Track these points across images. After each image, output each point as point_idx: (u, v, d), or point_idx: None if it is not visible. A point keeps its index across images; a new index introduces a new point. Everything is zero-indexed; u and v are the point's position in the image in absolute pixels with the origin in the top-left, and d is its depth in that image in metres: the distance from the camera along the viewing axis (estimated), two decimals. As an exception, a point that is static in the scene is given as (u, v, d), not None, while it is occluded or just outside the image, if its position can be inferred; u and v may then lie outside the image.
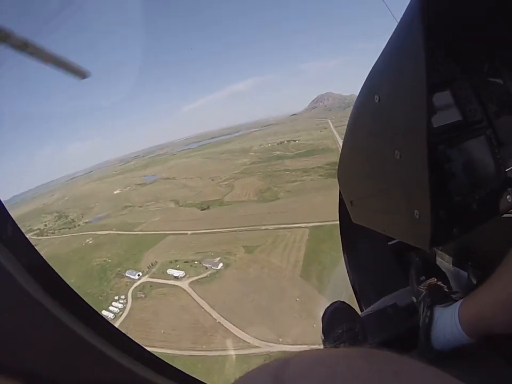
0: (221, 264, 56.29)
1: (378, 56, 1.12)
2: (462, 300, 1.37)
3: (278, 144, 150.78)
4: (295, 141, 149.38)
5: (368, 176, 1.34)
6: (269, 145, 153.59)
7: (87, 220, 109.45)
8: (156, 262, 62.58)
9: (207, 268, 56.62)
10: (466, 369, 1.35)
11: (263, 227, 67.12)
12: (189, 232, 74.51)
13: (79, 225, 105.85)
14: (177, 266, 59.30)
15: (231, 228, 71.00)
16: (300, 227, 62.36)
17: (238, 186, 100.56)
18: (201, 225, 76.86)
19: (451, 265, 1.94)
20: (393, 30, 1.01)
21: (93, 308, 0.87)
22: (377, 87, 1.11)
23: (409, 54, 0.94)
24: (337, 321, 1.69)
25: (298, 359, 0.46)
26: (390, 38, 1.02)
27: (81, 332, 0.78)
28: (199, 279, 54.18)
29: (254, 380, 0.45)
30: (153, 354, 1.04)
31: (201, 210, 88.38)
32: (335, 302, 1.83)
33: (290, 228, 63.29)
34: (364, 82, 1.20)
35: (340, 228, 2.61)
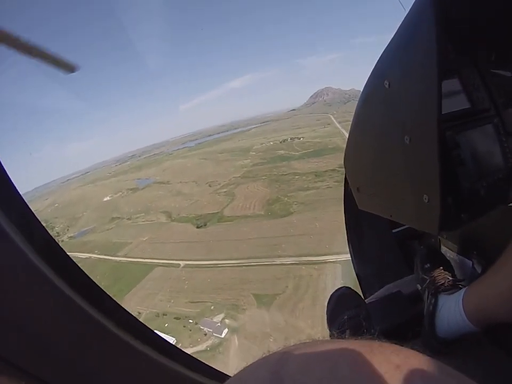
0: (225, 330, 36.82)
1: (388, 42, 1.09)
2: (466, 288, 1.36)
3: (281, 142, 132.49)
4: (299, 138, 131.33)
5: (376, 162, 1.33)
6: (271, 143, 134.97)
7: (71, 234, 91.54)
8: (139, 313, 43.46)
9: (206, 333, 37.16)
10: (468, 357, 1.39)
11: (278, 260, 47.79)
12: (182, 263, 55.29)
13: (62, 240, 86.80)
14: (166, 325, 40.34)
15: (235, 260, 51.27)
16: (327, 261, 43.41)
17: (239, 195, 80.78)
18: (196, 251, 57.73)
19: (455, 254, 1.85)
20: (405, 15, 0.99)
21: (102, 289, 0.85)
22: (387, 72, 1.08)
23: (421, 40, 0.92)
24: (342, 307, 1.66)
25: (298, 352, 0.44)
26: (402, 23, 1.00)
27: (94, 313, 0.76)
28: (194, 352, 34.48)
29: (252, 375, 0.43)
30: (167, 341, 1.01)
31: (197, 228, 68.84)
32: (341, 287, 1.79)
33: (316, 262, 44.29)
34: (373, 67, 1.18)
35: (345, 217, 2.59)
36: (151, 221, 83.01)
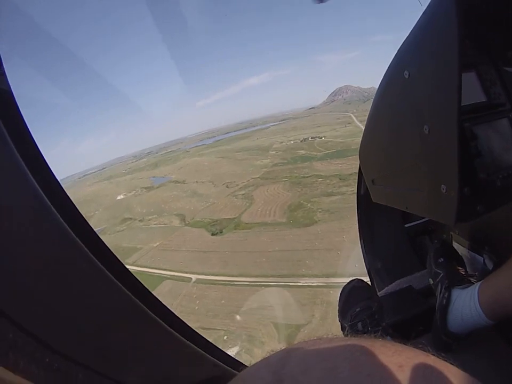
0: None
1: (409, 32, 1.09)
2: (481, 281, 1.35)
3: (301, 141, 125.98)
4: (321, 137, 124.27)
5: (393, 152, 1.34)
6: (291, 142, 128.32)
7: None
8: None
9: (217, 372, 30.47)
10: (480, 353, 1.41)
11: (303, 280, 40.95)
12: (193, 277, 48.75)
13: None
14: (170, 356, 33.43)
15: (253, 278, 44.57)
16: (360, 284, 36.15)
17: (258, 199, 73.82)
18: (210, 263, 51.16)
19: (467, 250, 1.85)
20: (424, 8, 1.00)
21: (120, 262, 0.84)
22: (408, 62, 1.08)
23: (443, 30, 0.93)
24: (355, 300, 1.66)
25: (299, 352, 0.44)
26: (423, 13, 1.01)
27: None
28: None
29: (253, 375, 0.43)
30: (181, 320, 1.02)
31: (212, 235, 62.04)
32: (353, 280, 1.79)
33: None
34: (392, 58, 1.18)
35: (357, 212, 2.60)
36: (164, 224, 77.04)
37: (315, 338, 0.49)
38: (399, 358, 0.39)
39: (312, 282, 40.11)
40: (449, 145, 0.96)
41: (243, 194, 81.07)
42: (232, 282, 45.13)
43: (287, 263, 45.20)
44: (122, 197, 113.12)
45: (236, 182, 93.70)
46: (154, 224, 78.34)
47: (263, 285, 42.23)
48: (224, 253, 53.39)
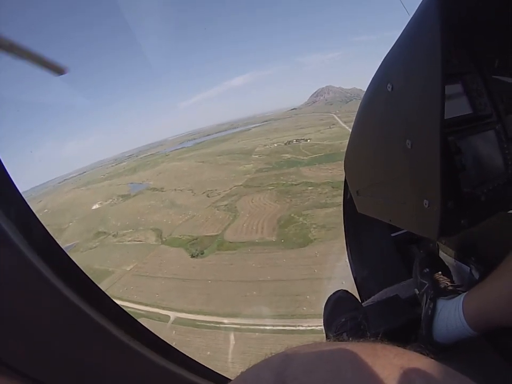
0: None
1: (392, 45, 1.06)
2: (466, 292, 1.35)
3: (285, 144, 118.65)
4: (306, 140, 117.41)
5: (377, 165, 1.33)
6: (275, 145, 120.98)
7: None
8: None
9: None
10: (466, 363, 1.36)
11: (305, 323, 32.84)
12: (172, 315, 39.59)
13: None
14: None
15: (243, 319, 35.52)
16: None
17: (243, 211, 64.96)
18: (191, 296, 42.21)
19: (454, 260, 1.85)
20: (409, 18, 0.97)
21: (98, 286, 0.84)
22: (391, 75, 1.06)
23: (426, 44, 0.90)
24: (340, 310, 1.66)
25: (301, 354, 0.43)
26: (406, 26, 0.98)
27: (86, 309, 0.75)
28: None
29: (255, 376, 0.42)
30: (161, 339, 1.01)
31: (192, 257, 52.72)
32: (338, 291, 1.79)
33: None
34: (376, 70, 1.17)
35: (344, 220, 2.62)
36: (139, 240, 67.69)
37: (316, 342, 0.49)
38: (400, 360, 0.39)
39: (316, 326, 31.37)
40: (431, 160, 0.94)
41: (226, 205, 72.25)
42: (218, 325, 36.34)
43: (284, 299, 36.65)
44: (98, 206, 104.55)
45: (217, 190, 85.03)
46: (129, 241, 68.99)
47: (257, 330, 33.72)
48: (207, 283, 44.35)
